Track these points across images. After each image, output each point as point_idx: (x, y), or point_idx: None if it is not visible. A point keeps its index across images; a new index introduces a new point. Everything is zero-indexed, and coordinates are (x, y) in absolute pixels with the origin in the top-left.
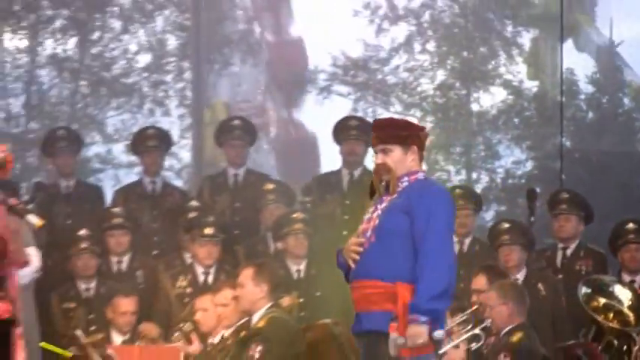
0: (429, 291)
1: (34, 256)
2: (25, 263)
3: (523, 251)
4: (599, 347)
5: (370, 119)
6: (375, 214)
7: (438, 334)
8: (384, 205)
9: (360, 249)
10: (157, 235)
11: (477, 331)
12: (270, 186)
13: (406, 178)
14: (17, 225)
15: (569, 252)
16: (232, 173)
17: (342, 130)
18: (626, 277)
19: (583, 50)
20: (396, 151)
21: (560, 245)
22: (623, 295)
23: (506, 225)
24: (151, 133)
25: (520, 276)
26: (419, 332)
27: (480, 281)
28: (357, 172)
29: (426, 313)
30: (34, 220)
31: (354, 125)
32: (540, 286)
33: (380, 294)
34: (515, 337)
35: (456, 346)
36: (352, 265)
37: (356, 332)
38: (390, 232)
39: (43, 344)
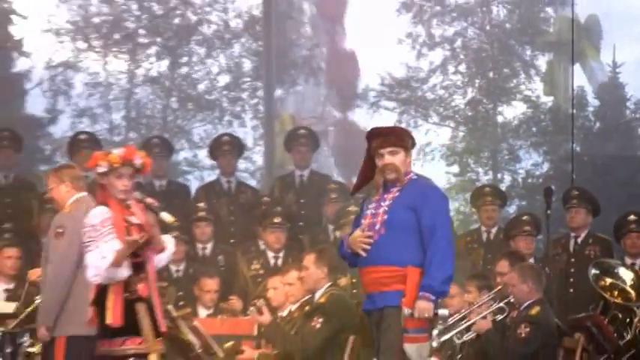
0: (442, 275)
1: (169, 243)
2: (162, 250)
3: (535, 240)
4: (606, 319)
5: (413, 129)
6: (380, 210)
7: (443, 312)
8: (387, 202)
9: (370, 241)
10: (233, 226)
11: (501, 304)
12: (333, 185)
13: (406, 177)
14: (154, 218)
15: (579, 239)
16: (299, 174)
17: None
18: (629, 261)
19: (590, 77)
20: (401, 154)
21: (572, 234)
22: (626, 275)
23: (526, 218)
24: (225, 140)
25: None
26: (428, 308)
27: (503, 265)
28: None
29: (437, 294)
30: (167, 217)
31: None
32: (547, 269)
33: (391, 277)
34: (534, 310)
35: (484, 317)
36: (363, 254)
37: (368, 310)
38: (399, 225)
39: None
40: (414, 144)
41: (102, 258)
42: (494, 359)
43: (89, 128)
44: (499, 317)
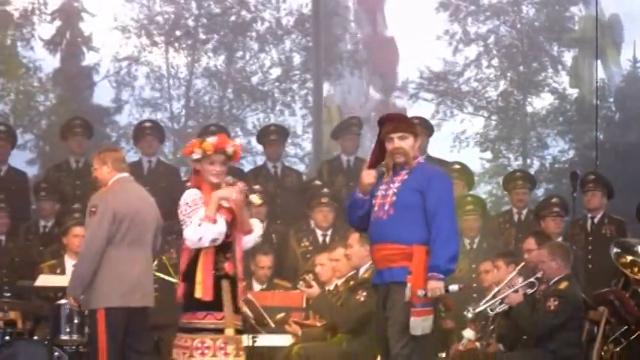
0: (447, 254)
1: (257, 226)
2: (250, 231)
3: (563, 221)
4: (627, 294)
5: (449, 118)
6: (390, 192)
7: (453, 287)
8: (396, 184)
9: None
10: (280, 207)
11: (532, 279)
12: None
13: (415, 162)
14: (243, 201)
15: (596, 220)
16: (345, 159)
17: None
18: None
19: (609, 78)
20: (410, 139)
21: (589, 215)
22: None
23: (555, 200)
24: (272, 129)
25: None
26: (439, 286)
27: (530, 242)
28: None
29: (444, 272)
30: (256, 199)
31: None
32: (574, 247)
33: (398, 254)
34: (562, 285)
35: (516, 291)
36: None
37: (377, 284)
38: (406, 207)
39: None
40: (431, 132)
41: (197, 226)
42: (524, 330)
43: (151, 117)
44: (529, 291)
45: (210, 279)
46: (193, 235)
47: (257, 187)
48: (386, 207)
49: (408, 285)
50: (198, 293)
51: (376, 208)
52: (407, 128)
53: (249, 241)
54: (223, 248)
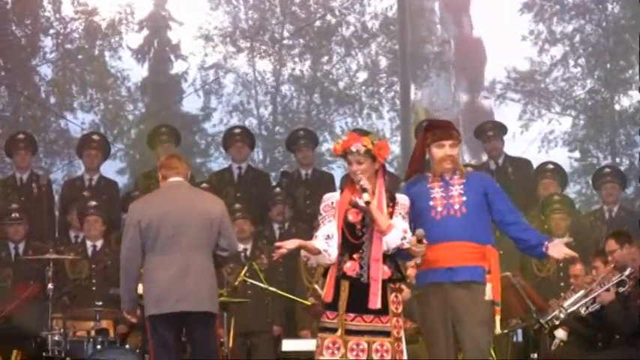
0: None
1: (398, 224)
2: (385, 232)
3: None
4: None
5: (537, 118)
6: (451, 194)
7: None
8: (457, 187)
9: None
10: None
11: (623, 277)
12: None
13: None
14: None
15: None
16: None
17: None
18: None
19: None
20: (457, 148)
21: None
22: None
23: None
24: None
25: None
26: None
27: (611, 243)
28: None
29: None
30: (366, 197)
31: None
32: None
33: (474, 253)
34: None
35: (608, 290)
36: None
37: (444, 281)
38: (478, 206)
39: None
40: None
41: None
42: (617, 328)
43: (239, 123)
44: (621, 289)
45: (333, 280)
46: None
47: (363, 182)
48: (456, 206)
49: (489, 284)
50: (323, 294)
51: (440, 209)
52: (457, 136)
53: (390, 241)
54: (352, 249)
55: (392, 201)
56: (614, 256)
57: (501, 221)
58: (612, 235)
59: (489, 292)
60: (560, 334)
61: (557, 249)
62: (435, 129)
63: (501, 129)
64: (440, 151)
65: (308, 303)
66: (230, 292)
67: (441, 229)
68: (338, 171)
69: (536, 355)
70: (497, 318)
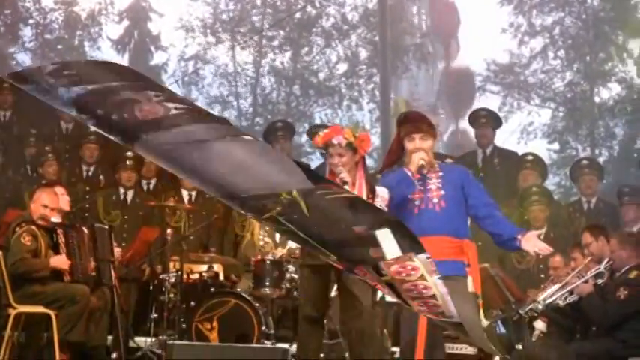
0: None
1: None
2: None
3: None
4: None
5: (516, 111)
6: (429, 187)
7: None
8: (434, 180)
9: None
10: None
11: (601, 269)
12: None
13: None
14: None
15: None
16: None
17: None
18: None
19: None
20: (430, 141)
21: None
22: None
23: (627, 189)
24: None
25: (634, 229)
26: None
27: (586, 236)
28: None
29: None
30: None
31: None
32: None
33: (451, 247)
34: (632, 274)
35: (586, 281)
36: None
37: None
38: (456, 201)
39: None
40: (499, 125)
41: None
42: (594, 320)
43: (219, 114)
44: (599, 281)
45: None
46: None
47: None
48: (434, 200)
49: (470, 277)
50: None
51: (417, 202)
52: (428, 129)
53: None
54: None
55: (372, 193)
56: (590, 249)
57: (475, 215)
58: (587, 229)
59: (471, 285)
60: (540, 325)
61: (531, 242)
62: (407, 123)
63: (495, 119)
64: (410, 144)
65: None
66: None
67: (420, 222)
68: (316, 162)
69: (520, 346)
70: (481, 310)
